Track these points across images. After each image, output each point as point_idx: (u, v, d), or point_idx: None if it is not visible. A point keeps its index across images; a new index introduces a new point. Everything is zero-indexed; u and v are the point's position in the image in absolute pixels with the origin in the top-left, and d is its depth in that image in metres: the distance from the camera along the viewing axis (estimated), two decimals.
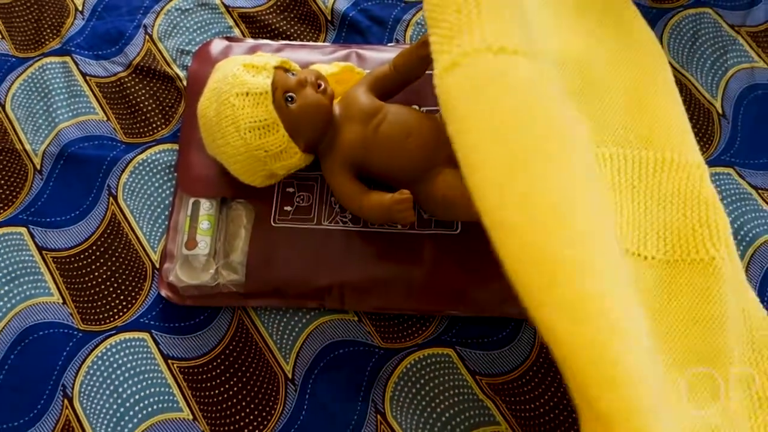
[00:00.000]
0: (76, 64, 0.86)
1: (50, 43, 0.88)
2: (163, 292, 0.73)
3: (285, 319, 0.73)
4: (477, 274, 0.70)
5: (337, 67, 0.76)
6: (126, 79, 0.86)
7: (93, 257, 0.77)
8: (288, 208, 0.73)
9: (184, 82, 0.84)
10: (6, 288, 0.75)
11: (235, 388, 0.71)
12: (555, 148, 0.49)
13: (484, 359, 0.71)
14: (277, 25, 0.88)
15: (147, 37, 0.88)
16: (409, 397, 0.70)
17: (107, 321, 0.74)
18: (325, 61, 0.80)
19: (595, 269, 0.46)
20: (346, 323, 0.73)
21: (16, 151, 0.82)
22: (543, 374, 0.70)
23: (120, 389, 0.71)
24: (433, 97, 0.52)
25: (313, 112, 0.67)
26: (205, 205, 0.74)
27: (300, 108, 0.67)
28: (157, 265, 0.76)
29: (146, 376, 0.71)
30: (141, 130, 0.83)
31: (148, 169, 0.80)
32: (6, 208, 0.79)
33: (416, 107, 0.76)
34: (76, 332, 0.73)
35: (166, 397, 0.71)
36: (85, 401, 0.70)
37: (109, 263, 0.76)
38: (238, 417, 0.70)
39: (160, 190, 0.79)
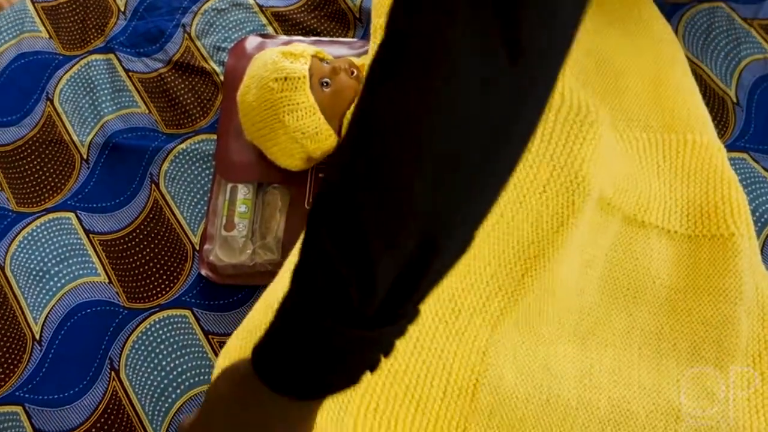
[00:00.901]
0: (120, 61, 0.92)
1: (95, 42, 0.93)
2: (204, 272, 0.77)
3: None
4: None
5: (364, 60, 0.81)
6: (166, 75, 0.91)
7: (137, 240, 0.81)
8: None
9: (221, 77, 0.89)
10: (56, 268, 0.80)
11: None
12: None
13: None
14: (308, 23, 0.93)
15: (185, 35, 0.93)
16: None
17: (151, 299, 0.78)
18: (353, 56, 0.85)
19: None
20: None
21: (64, 142, 0.87)
22: None
23: (163, 362, 0.75)
24: None
25: (347, 95, 0.72)
26: (243, 190, 0.79)
27: (334, 92, 0.71)
28: (197, 247, 0.80)
29: (188, 350, 0.76)
30: (181, 122, 0.88)
31: (187, 158, 0.85)
32: (55, 194, 0.84)
33: None
34: (121, 309, 0.78)
35: (208, 370, 0.75)
36: (131, 373, 0.75)
37: (152, 245, 0.81)
38: None
39: (199, 178, 0.84)
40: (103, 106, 0.89)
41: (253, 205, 0.79)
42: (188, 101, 0.89)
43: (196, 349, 0.76)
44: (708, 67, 0.88)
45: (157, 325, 0.77)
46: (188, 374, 0.74)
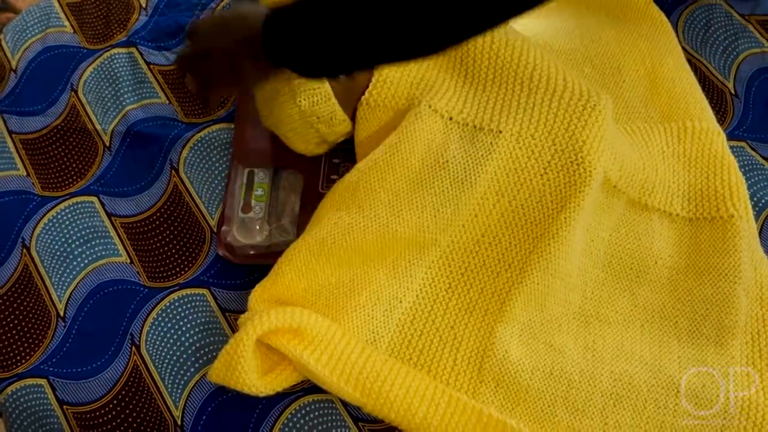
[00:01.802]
0: (141, 54, 0.96)
1: (117, 36, 0.98)
2: (221, 252, 0.81)
3: None
4: None
5: None
6: None
7: (157, 222, 0.85)
8: (334, 177, 0.81)
9: None
10: (80, 249, 0.83)
11: None
12: None
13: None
14: None
15: None
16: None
17: (170, 278, 0.82)
18: None
19: None
20: None
21: (88, 131, 0.91)
22: None
23: (182, 338, 0.78)
24: None
25: (360, 82, 0.76)
26: (260, 175, 0.82)
27: (348, 78, 0.75)
28: (215, 230, 0.83)
29: (206, 327, 0.79)
30: (199, 112, 0.91)
31: (205, 145, 0.89)
32: (79, 179, 0.88)
33: None
34: (142, 288, 0.81)
35: (223, 346, 0.77)
36: (151, 348, 0.77)
37: (172, 228, 0.84)
38: None
39: (217, 164, 0.88)
40: (125, 96, 0.92)
41: (270, 189, 0.82)
42: None
43: (214, 325, 0.79)
44: (707, 61, 0.92)
45: (176, 303, 0.80)
46: (206, 349, 0.77)
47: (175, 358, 0.77)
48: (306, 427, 0.72)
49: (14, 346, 0.78)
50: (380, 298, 0.72)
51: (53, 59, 0.96)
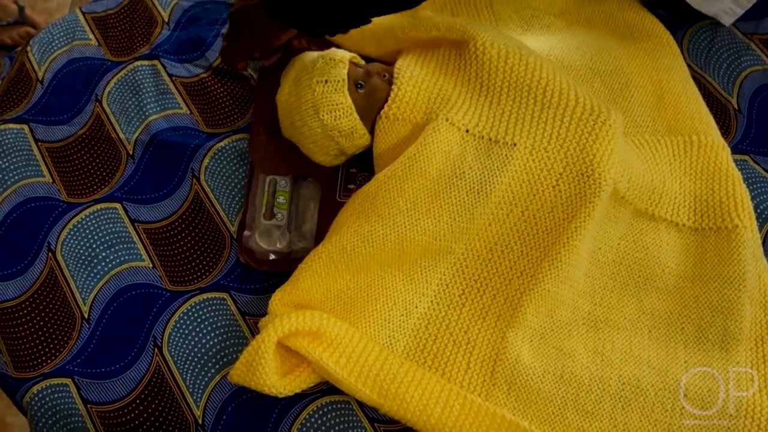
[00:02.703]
0: (164, 67, 0.99)
1: (141, 49, 1.01)
2: (242, 259, 0.83)
3: None
4: None
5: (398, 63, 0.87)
6: (206, 80, 0.98)
7: (179, 228, 0.88)
8: (351, 186, 0.84)
9: (257, 78, 0.96)
10: (104, 254, 0.86)
11: None
12: None
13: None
14: None
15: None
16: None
17: (192, 283, 0.84)
18: None
19: None
20: None
21: (112, 139, 0.94)
22: None
23: (204, 340, 0.80)
24: None
25: (379, 96, 0.79)
26: (281, 183, 0.85)
27: (368, 93, 0.78)
28: (235, 236, 0.86)
29: (226, 329, 0.81)
30: (220, 122, 0.94)
31: (226, 155, 0.92)
32: (103, 186, 0.91)
33: None
34: (164, 292, 0.84)
35: (243, 348, 0.79)
36: (173, 350, 0.80)
37: (193, 234, 0.87)
38: None
39: (237, 173, 0.90)
40: (148, 107, 0.96)
41: (290, 197, 0.85)
42: (227, 103, 0.96)
43: (234, 328, 0.81)
44: (711, 77, 0.95)
45: (198, 307, 0.82)
46: (226, 351, 0.80)
47: (196, 359, 0.79)
48: (323, 428, 0.74)
49: (40, 347, 0.81)
50: (396, 303, 0.75)
51: (79, 71, 0.99)
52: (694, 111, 0.88)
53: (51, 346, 0.81)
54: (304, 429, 0.74)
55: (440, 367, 0.74)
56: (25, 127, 0.95)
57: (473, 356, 0.75)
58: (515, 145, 0.76)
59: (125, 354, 0.80)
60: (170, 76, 0.98)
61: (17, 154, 0.93)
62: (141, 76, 0.98)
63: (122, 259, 0.86)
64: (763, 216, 0.85)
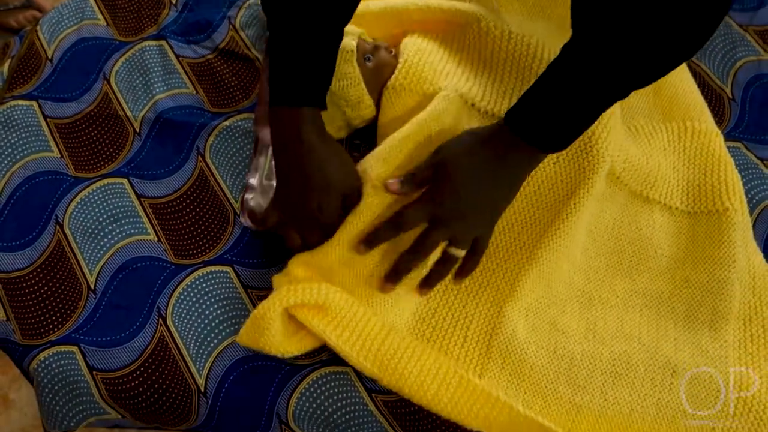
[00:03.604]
0: (171, 47, 1.01)
1: (148, 30, 1.03)
2: (243, 220, 0.85)
3: None
4: None
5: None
6: (213, 61, 1.00)
7: (184, 204, 0.90)
8: (356, 154, 0.86)
9: (263, 57, 0.98)
10: (110, 227, 0.88)
11: None
12: None
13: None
14: None
15: (231, 26, 1.02)
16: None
17: (196, 256, 0.86)
18: None
19: None
20: None
21: (119, 117, 0.96)
22: None
23: (207, 312, 0.82)
24: None
25: (386, 71, 0.81)
26: None
27: (376, 67, 0.80)
28: (238, 212, 0.88)
29: (228, 301, 0.83)
30: (225, 102, 0.97)
31: (231, 133, 0.94)
32: (110, 162, 0.93)
33: None
34: (169, 264, 0.86)
35: (245, 319, 0.82)
36: (177, 321, 0.82)
37: (198, 209, 0.89)
38: None
39: (241, 151, 0.92)
40: (155, 86, 0.98)
41: None
42: (232, 84, 0.98)
43: (236, 301, 0.83)
44: (707, 67, 0.97)
45: (201, 279, 0.84)
46: (229, 323, 0.82)
47: (199, 330, 0.81)
48: (322, 397, 0.77)
49: (47, 316, 0.83)
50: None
51: (87, 50, 1.01)
52: (688, 99, 0.90)
53: (58, 315, 0.83)
54: (303, 398, 0.77)
55: (438, 340, 0.76)
56: (35, 103, 0.97)
57: (470, 330, 0.77)
58: None
59: (130, 324, 0.82)
60: (177, 56, 1.00)
61: (26, 129, 0.95)
62: (148, 56, 1.00)
63: (128, 232, 0.88)
64: (754, 201, 0.87)
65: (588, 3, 0.61)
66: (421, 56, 0.82)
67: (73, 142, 0.95)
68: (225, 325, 0.82)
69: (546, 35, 0.93)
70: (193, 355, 0.80)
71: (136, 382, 0.79)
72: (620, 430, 0.72)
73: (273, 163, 0.85)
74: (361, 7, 0.82)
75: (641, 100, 0.92)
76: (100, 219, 0.88)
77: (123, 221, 0.89)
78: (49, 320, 0.83)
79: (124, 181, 0.91)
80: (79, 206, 0.89)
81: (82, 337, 0.81)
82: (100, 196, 0.90)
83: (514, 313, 0.77)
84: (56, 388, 0.79)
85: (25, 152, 0.93)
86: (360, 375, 0.77)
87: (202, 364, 0.79)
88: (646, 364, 0.76)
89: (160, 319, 0.82)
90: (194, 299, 0.83)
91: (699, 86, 0.94)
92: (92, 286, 0.84)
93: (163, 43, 1.01)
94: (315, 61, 0.70)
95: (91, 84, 0.99)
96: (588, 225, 0.80)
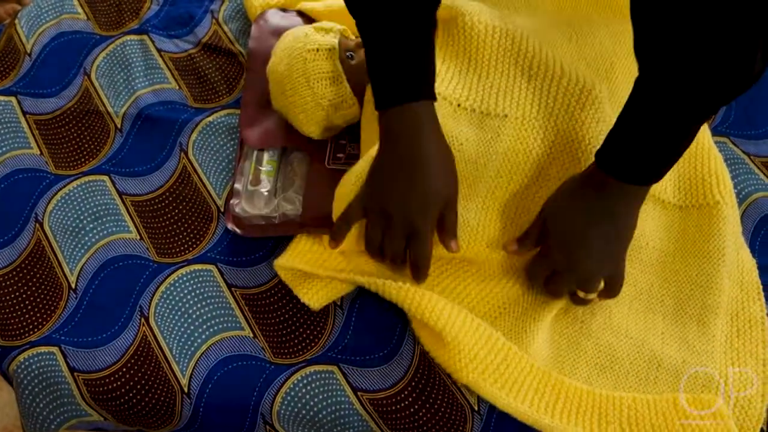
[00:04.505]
0: (152, 42, 0.99)
1: (130, 24, 1.01)
2: (229, 225, 0.84)
3: None
4: None
5: None
6: (195, 55, 0.98)
7: (166, 201, 0.88)
8: (340, 155, 0.85)
9: (246, 57, 0.97)
10: (91, 225, 0.87)
11: (291, 312, 0.81)
12: None
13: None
14: None
15: (213, 20, 1.01)
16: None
17: (179, 255, 0.85)
18: None
19: None
20: None
21: (100, 113, 0.94)
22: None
23: (190, 311, 0.81)
24: None
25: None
26: (268, 153, 0.86)
27: (358, 63, 0.79)
28: (222, 209, 0.87)
29: (212, 300, 0.82)
30: (208, 97, 0.95)
31: (214, 129, 0.92)
32: (91, 159, 0.91)
33: None
34: (151, 263, 0.84)
35: (230, 318, 0.81)
36: (159, 320, 0.81)
37: (181, 206, 0.88)
38: (292, 335, 0.80)
39: (224, 147, 0.91)
40: (137, 81, 0.96)
41: (278, 166, 0.86)
42: (215, 79, 0.96)
43: (220, 299, 0.82)
44: None
45: (185, 278, 0.83)
46: (212, 322, 0.81)
47: (182, 329, 0.80)
48: (307, 396, 0.76)
49: (27, 316, 0.81)
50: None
51: (67, 44, 1.00)
52: None
53: (38, 315, 0.81)
54: (289, 398, 0.76)
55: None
56: (13, 99, 0.95)
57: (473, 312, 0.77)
58: (506, 116, 0.78)
59: (112, 323, 0.81)
60: (159, 51, 0.99)
61: (5, 126, 0.93)
62: (130, 51, 0.98)
63: (110, 230, 0.86)
64: (741, 196, 0.87)
65: (650, 38, 0.62)
66: None
67: (53, 138, 0.93)
68: (208, 324, 0.81)
69: (531, 29, 0.92)
70: (177, 355, 0.79)
71: (119, 383, 0.77)
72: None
73: (257, 168, 0.84)
74: (342, 4, 0.81)
75: (629, 94, 0.91)
76: (81, 217, 0.87)
77: (104, 219, 0.87)
78: (29, 321, 0.81)
79: (106, 178, 0.90)
80: (60, 204, 0.88)
81: (63, 337, 0.80)
82: (81, 193, 0.89)
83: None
84: (36, 390, 0.78)
85: (4, 149, 0.92)
86: (346, 373, 0.76)
87: (185, 364, 0.78)
88: (631, 358, 0.76)
89: (143, 319, 0.81)
90: (177, 298, 0.82)
91: None
92: (73, 286, 0.83)
93: (145, 37, 1.00)
94: (416, 53, 0.68)
95: (71, 79, 0.97)
96: None
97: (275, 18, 0.96)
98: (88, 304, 0.82)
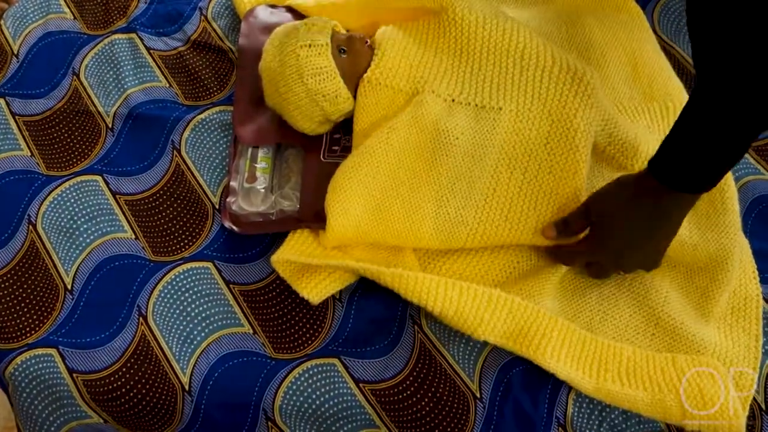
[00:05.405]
0: (141, 40, 0.99)
1: (117, 23, 1.00)
2: (226, 224, 0.84)
3: None
4: None
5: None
6: (185, 52, 0.98)
7: (161, 200, 0.88)
8: (336, 148, 0.85)
9: (236, 54, 0.96)
10: (85, 226, 0.86)
11: (290, 307, 0.81)
12: None
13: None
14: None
15: (202, 17, 1.00)
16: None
17: (175, 253, 0.85)
18: None
19: None
20: None
21: (90, 113, 0.94)
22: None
23: (188, 309, 0.81)
24: None
25: (361, 62, 0.80)
26: (263, 150, 0.86)
27: (351, 58, 0.79)
28: (217, 206, 0.87)
29: (210, 298, 0.82)
30: (199, 95, 0.95)
31: (206, 127, 0.92)
32: (83, 159, 0.91)
33: None
34: (148, 262, 0.84)
35: (229, 315, 0.81)
36: (158, 319, 0.80)
37: (175, 205, 0.87)
38: (292, 330, 0.80)
39: (217, 144, 0.91)
40: (127, 80, 0.95)
41: (273, 162, 0.86)
42: (206, 76, 0.96)
43: (219, 296, 0.82)
44: (681, 48, 0.98)
45: (182, 276, 0.83)
46: (212, 319, 0.80)
47: (181, 327, 0.80)
48: (309, 390, 0.76)
49: (23, 319, 0.81)
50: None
51: (54, 44, 0.99)
52: (667, 80, 0.91)
53: (34, 317, 0.81)
54: (290, 392, 0.76)
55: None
56: (2, 101, 0.94)
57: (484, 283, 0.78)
58: (501, 109, 0.78)
59: (110, 324, 0.80)
60: (148, 49, 0.98)
61: None
62: (118, 50, 0.98)
63: (104, 230, 0.86)
64: (733, 178, 0.88)
65: (710, 48, 0.60)
66: (397, 49, 0.81)
67: (43, 139, 0.92)
68: (208, 321, 0.80)
69: (521, 20, 0.92)
70: (177, 354, 0.78)
71: (119, 382, 0.77)
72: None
73: (252, 166, 0.84)
74: None
75: (621, 81, 0.92)
76: (75, 218, 0.86)
77: (98, 219, 0.86)
78: (26, 323, 0.80)
79: (98, 178, 0.89)
80: (52, 205, 0.87)
81: (60, 339, 0.79)
82: (74, 194, 0.88)
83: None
84: (35, 392, 0.77)
85: None
86: (347, 365, 0.76)
87: (185, 362, 0.78)
88: (631, 310, 0.78)
89: (141, 318, 0.80)
90: (175, 297, 0.82)
91: (674, 68, 0.94)
92: (69, 287, 0.82)
93: (133, 35, 0.99)
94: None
95: (60, 79, 0.96)
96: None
97: (265, 14, 0.96)
98: (86, 305, 0.81)
